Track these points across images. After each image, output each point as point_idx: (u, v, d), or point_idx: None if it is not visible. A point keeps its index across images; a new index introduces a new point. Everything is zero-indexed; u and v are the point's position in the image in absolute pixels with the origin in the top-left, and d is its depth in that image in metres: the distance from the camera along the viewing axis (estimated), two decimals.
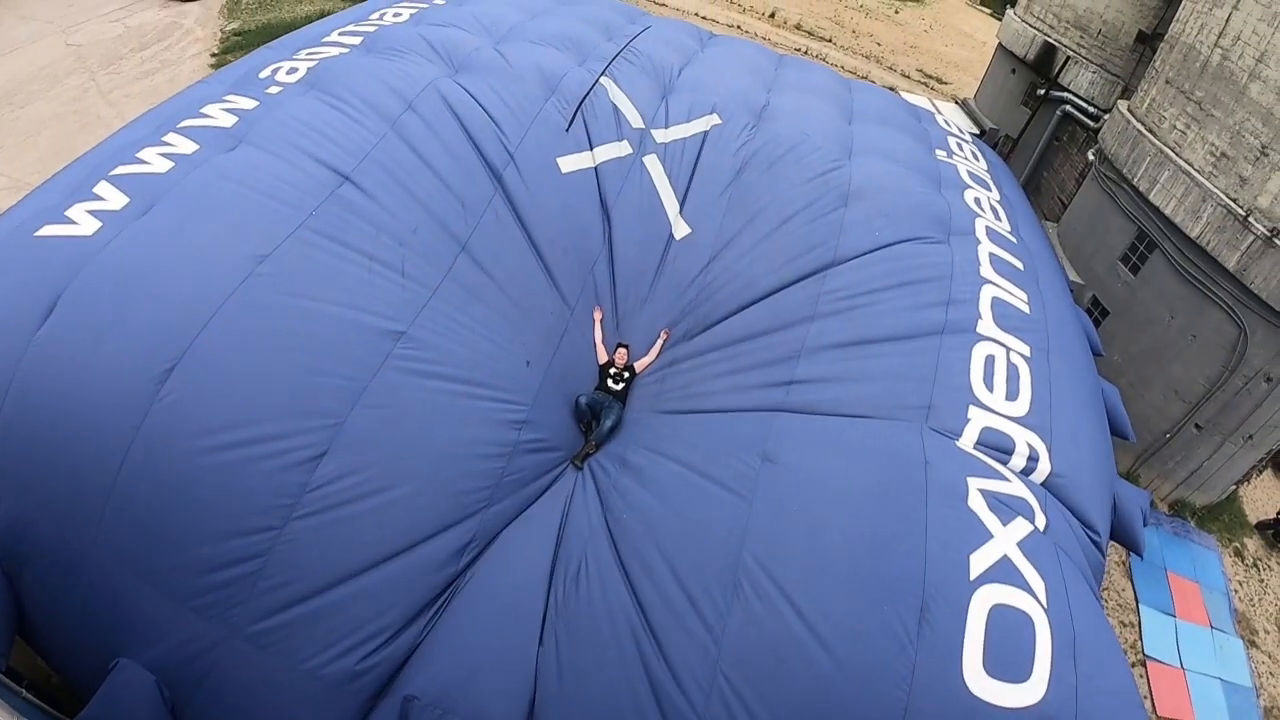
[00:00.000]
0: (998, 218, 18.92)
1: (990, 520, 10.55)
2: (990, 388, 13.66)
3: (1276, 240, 19.57)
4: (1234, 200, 20.17)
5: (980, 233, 17.64)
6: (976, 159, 21.74)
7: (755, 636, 9.33)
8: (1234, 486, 25.98)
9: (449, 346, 12.13)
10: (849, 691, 8.90)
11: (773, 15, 55.75)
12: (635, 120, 16.83)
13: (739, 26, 49.96)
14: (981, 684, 8.82)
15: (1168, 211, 21.44)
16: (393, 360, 11.32)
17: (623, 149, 16.53)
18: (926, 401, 13.03)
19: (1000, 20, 40.18)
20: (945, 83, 56.23)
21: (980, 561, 9.84)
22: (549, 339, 13.95)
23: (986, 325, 14.91)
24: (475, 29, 18.63)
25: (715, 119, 17.86)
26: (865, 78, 49.08)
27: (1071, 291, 22.51)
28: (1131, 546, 14.93)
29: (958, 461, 11.70)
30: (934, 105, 31.46)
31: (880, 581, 9.62)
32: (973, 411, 13.03)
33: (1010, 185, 22.07)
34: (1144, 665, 19.22)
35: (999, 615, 9.37)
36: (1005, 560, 9.99)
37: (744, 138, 17.83)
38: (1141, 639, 19.75)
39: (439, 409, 11.42)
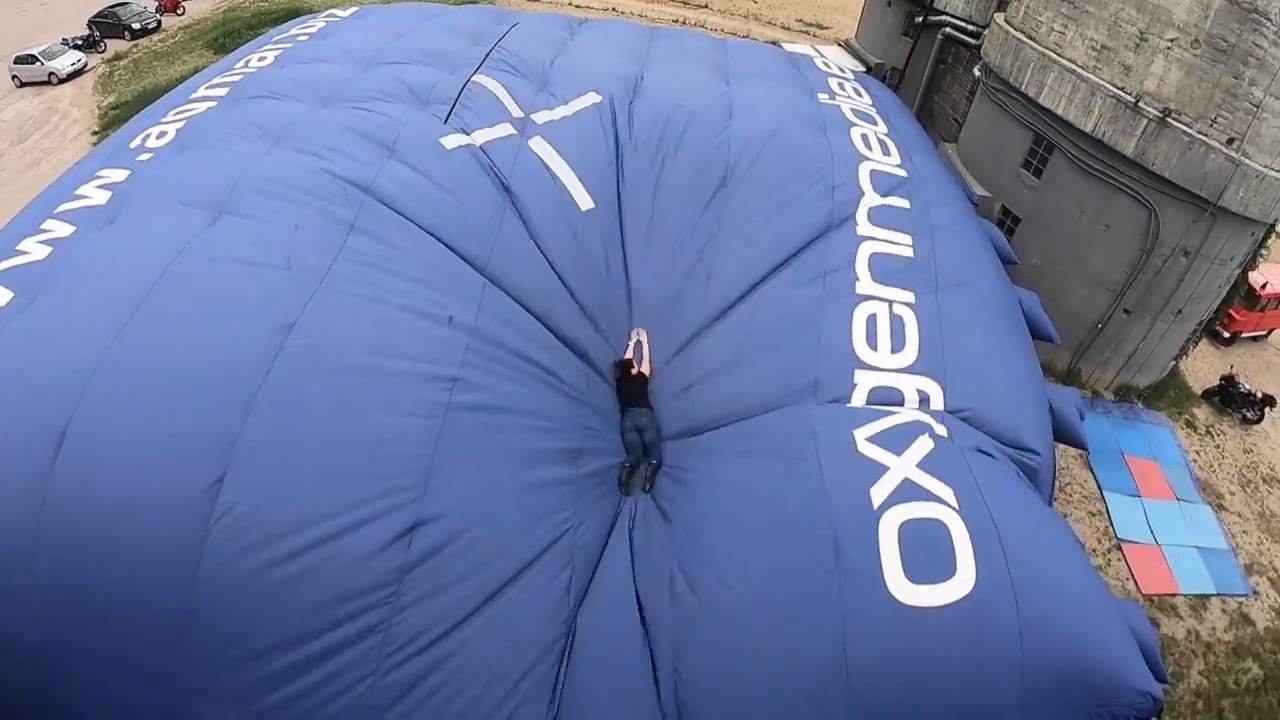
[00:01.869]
0: (886, 153, 19.04)
1: (883, 455, 11.17)
2: (874, 346, 13.99)
3: (1169, 120, 20.18)
4: (1121, 89, 20.74)
5: (864, 181, 17.69)
6: (860, 95, 21.91)
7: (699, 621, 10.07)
8: (1173, 362, 26.73)
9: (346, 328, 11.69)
10: (792, 636, 9.54)
11: None
12: (515, 110, 16.69)
13: (614, 9, 50.25)
14: (908, 591, 9.42)
15: (1059, 111, 21.97)
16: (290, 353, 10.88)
17: (505, 130, 16.35)
18: (813, 379, 13.51)
19: None
20: (825, 28, 56.64)
21: (881, 491, 10.52)
22: (469, 301, 12.97)
23: (865, 285, 15.14)
24: (342, 59, 18.34)
25: (595, 97, 17.89)
26: (746, 36, 49.33)
27: (978, 205, 23.12)
28: (1075, 444, 15.42)
29: (844, 421, 12.16)
30: (815, 50, 31.82)
31: (796, 542, 10.31)
32: (859, 375, 13.45)
33: (899, 115, 22.39)
34: (1119, 549, 19.80)
35: (909, 529, 10.00)
36: (906, 482, 10.65)
37: (624, 114, 17.90)
38: (1112, 524, 20.32)
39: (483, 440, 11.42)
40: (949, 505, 10.31)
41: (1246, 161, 20.50)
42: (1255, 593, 20.99)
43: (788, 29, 54.67)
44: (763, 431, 12.74)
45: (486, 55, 18.60)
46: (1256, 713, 18.30)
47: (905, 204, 17.37)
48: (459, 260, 13.25)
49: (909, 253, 16.03)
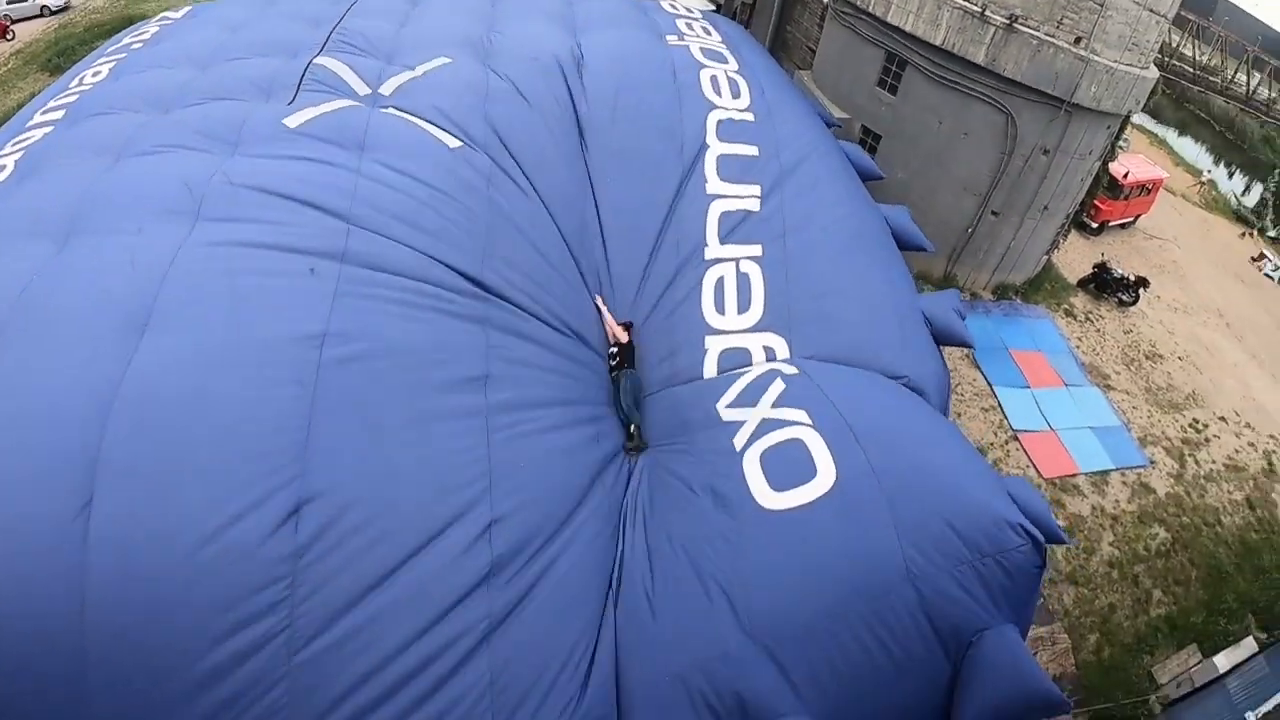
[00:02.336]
0: (735, 94, 18.91)
1: (741, 412, 11.78)
2: (721, 310, 14.30)
3: (1016, 25, 20.77)
4: (968, 0, 21.26)
5: (711, 132, 17.62)
6: (709, 33, 21.66)
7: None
8: (1045, 256, 27.70)
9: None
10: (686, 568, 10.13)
11: None
12: (362, 88, 15.89)
13: None
14: (776, 499, 10.22)
15: (908, 28, 22.39)
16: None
17: (351, 103, 15.53)
18: (670, 353, 13.98)
19: None
20: None
21: (741, 437, 11.26)
22: (333, 249, 11.98)
23: (713, 249, 15.33)
24: (179, 63, 17.36)
25: (443, 59, 17.37)
26: None
27: (839, 128, 23.47)
28: (959, 344, 15.83)
29: (707, 398, 12.59)
30: None
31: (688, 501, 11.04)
32: (709, 341, 13.79)
33: (750, 49, 22.23)
34: (1016, 439, 20.54)
35: (770, 454, 10.82)
36: (763, 422, 11.34)
37: (477, 70, 17.42)
38: (1006, 416, 21.05)
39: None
40: (803, 424, 11.01)
41: (1095, 58, 21.30)
42: (1152, 462, 22.17)
43: None
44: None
45: (327, 38, 18.00)
46: (1169, 573, 19.37)
47: (754, 151, 17.35)
48: (317, 212, 12.30)
49: (755, 205, 16.13)
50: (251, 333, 10.26)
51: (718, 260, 15.02)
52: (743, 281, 14.64)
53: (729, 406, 12.10)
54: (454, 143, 14.79)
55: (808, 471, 10.38)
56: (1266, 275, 46.79)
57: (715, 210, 15.92)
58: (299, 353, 10.19)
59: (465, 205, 13.52)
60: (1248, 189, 72.69)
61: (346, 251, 11.64)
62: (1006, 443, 20.42)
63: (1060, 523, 18.23)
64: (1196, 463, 23.29)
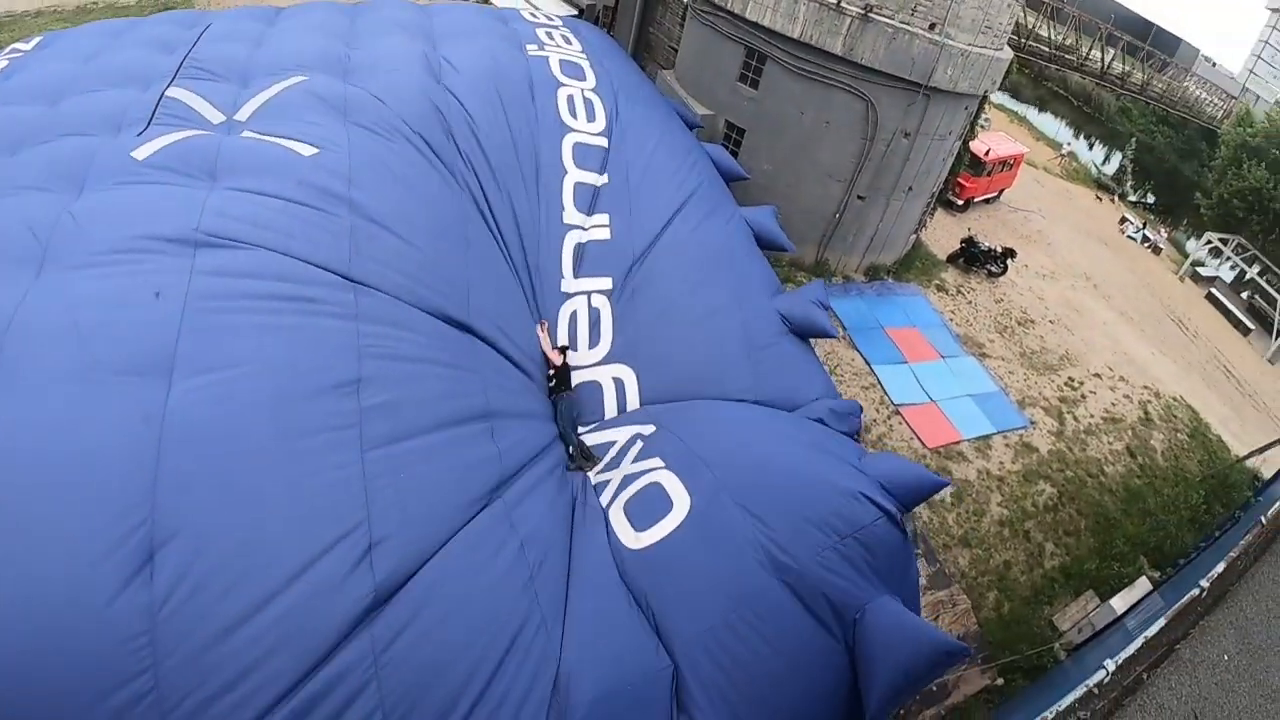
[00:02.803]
0: (590, 117, 19.17)
1: (607, 475, 12.53)
2: (575, 346, 14.89)
3: (871, 15, 21.40)
4: None
5: (567, 159, 17.83)
6: (569, 42, 22.05)
7: None
8: (914, 235, 28.55)
9: None
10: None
11: None
12: (215, 116, 15.49)
13: None
14: (640, 539, 10.97)
15: (766, 23, 22.83)
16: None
17: (204, 132, 14.93)
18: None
19: None
20: None
21: (606, 496, 12.11)
22: (180, 270, 11.40)
23: (568, 282, 15.76)
24: (29, 99, 16.65)
25: (299, 77, 17.08)
26: None
27: (701, 128, 23.91)
28: (820, 335, 16.47)
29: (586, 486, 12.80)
30: (527, 2, 32.12)
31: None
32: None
33: (609, 56, 22.77)
34: (898, 413, 21.12)
35: (631, 502, 11.61)
36: (624, 479, 12.11)
37: (336, 87, 17.05)
38: (886, 393, 21.60)
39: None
40: (658, 469, 11.83)
41: (950, 43, 22.09)
42: (1032, 423, 23.04)
43: None
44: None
45: (179, 67, 17.49)
46: (1059, 525, 20.16)
47: (604, 180, 17.72)
48: (164, 243, 11.62)
49: (606, 234, 16.54)
50: (96, 374, 9.73)
51: (572, 294, 15.48)
52: (594, 315, 15.21)
53: (598, 472, 12.69)
54: (309, 150, 14.35)
55: (665, 507, 11.16)
56: (1129, 237, 48.93)
57: (570, 242, 16.27)
58: (144, 387, 9.69)
59: (324, 210, 13.12)
60: (1107, 158, 75.80)
61: (194, 268, 11.16)
62: (889, 418, 20.95)
63: (948, 489, 18.92)
64: (1075, 419, 24.29)
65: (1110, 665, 8.96)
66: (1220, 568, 11.89)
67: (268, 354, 10.50)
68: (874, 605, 10.14)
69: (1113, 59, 59.04)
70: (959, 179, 34.23)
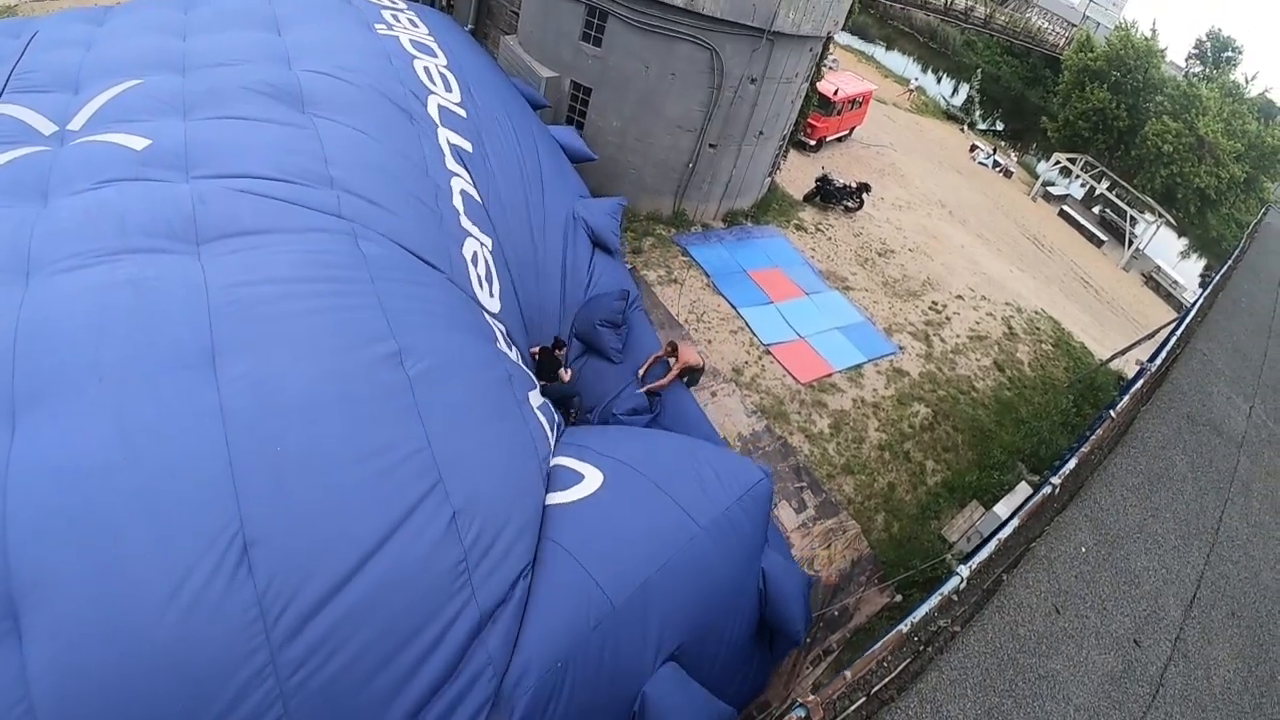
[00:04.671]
0: (448, 89, 19.29)
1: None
2: (486, 291, 15.01)
3: None
4: None
5: (436, 116, 17.92)
6: (415, 25, 21.82)
7: None
8: (768, 179, 28.94)
9: None
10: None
11: None
12: (46, 128, 14.75)
13: None
14: (562, 497, 11.21)
15: None
16: None
17: (33, 149, 14.07)
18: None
19: None
20: None
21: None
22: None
23: (465, 221, 15.76)
24: None
25: (134, 80, 16.26)
26: None
27: (547, 106, 24.02)
28: (608, 249, 18.22)
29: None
30: None
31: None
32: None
33: (456, 40, 22.81)
34: (769, 353, 21.44)
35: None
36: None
37: (174, 82, 16.39)
38: (755, 334, 21.90)
39: None
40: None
41: None
42: (901, 348, 23.72)
43: None
44: None
45: (7, 79, 16.80)
46: (937, 443, 20.86)
47: (470, 146, 17.88)
48: None
49: (477, 197, 16.87)
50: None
51: (468, 234, 15.50)
52: (486, 270, 15.46)
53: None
54: (141, 143, 13.84)
55: (576, 478, 11.56)
56: (980, 164, 50.64)
57: (456, 187, 16.26)
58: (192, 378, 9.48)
59: (161, 188, 12.75)
60: (955, 91, 78.08)
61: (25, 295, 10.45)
62: (760, 358, 21.19)
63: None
64: (942, 340, 25.11)
65: (964, 571, 9.34)
66: (1072, 464, 12.41)
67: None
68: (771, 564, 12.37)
69: None
70: (809, 120, 34.78)
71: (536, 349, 15.90)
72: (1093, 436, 13.46)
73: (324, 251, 12.09)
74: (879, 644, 8.35)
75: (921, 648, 8.57)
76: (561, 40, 24.56)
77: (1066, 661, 9.09)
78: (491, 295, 15.05)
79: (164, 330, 9.92)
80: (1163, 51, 57.42)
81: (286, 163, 14.09)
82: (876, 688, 7.98)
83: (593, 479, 11.49)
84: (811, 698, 7.46)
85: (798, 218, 29.38)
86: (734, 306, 22.72)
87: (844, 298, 25.24)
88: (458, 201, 16.01)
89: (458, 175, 16.68)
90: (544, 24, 25.24)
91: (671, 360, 16.52)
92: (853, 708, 7.72)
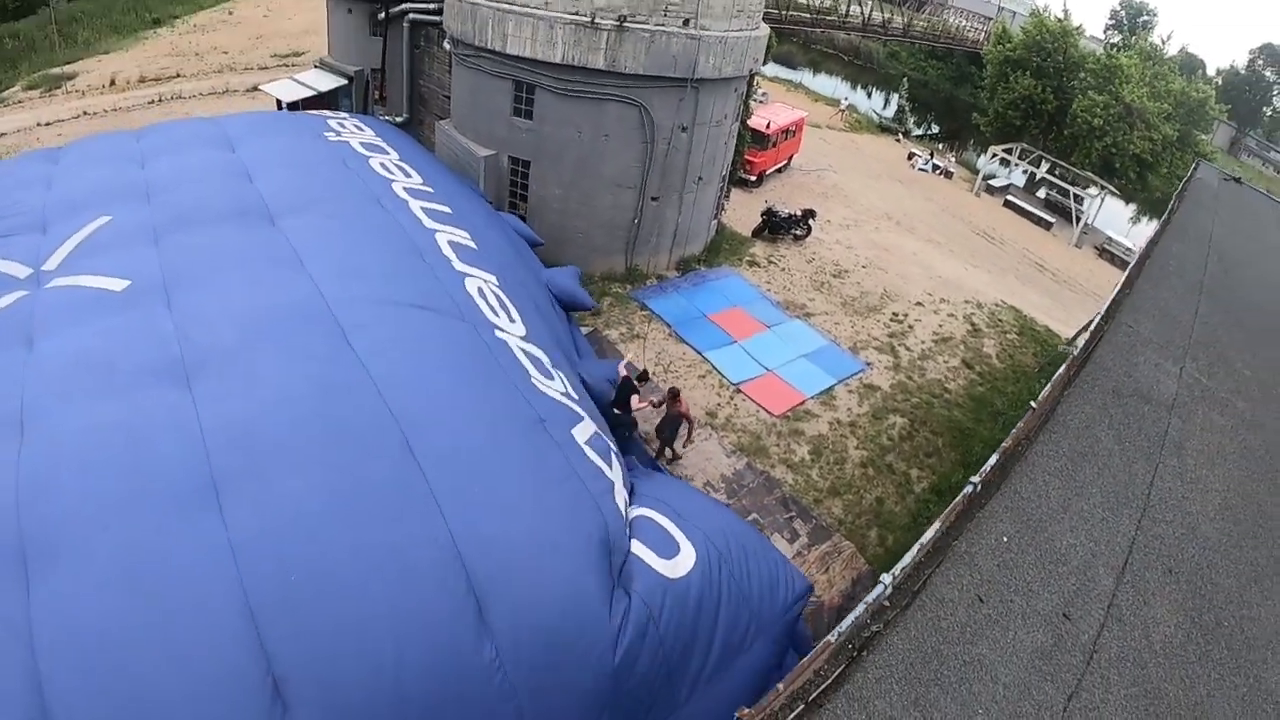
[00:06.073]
0: (407, 174, 19.91)
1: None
2: (497, 318, 15.14)
3: (627, 24, 22.24)
4: (576, 13, 22.45)
5: (402, 194, 18.47)
6: (362, 129, 22.72)
7: None
8: (714, 221, 29.50)
9: None
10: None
11: (112, 82, 52.42)
12: (20, 272, 15.10)
13: (85, 112, 45.17)
14: (670, 567, 11.51)
15: (529, 54, 23.35)
16: None
17: (12, 297, 14.34)
18: None
19: None
20: (301, 53, 55.96)
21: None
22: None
23: (458, 264, 16.12)
24: None
25: (104, 218, 16.66)
26: (226, 90, 48.49)
27: (485, 164, 24.92)
28: (583, 308, 19.35)
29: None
30: (296, 82, 33.01)
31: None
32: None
33: (400, 138, 23.65)
34: (739, 391, 21.76)
35: (643, 533, 12.14)
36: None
37: (140, 214, 16.84)
38: (723, 375, 22.25)
39: None
40: (649, 508, 12.68)
41: (706, 33, 23.20)
42: (868, 364, 24.14)
43: (265, 68, 53.19)
44: None
45: None
46: (918, 450, 21.17)
47: (448, 210, 18.63)
48: None
49: (471, 243, 17.44)
50: None
51: (466, 274, 15.95)
52: (496, 297, 15.78)
53: (587, 445, 12.81)
54: (120, 284, 14.21)
55: (674, 547, 11.80)
56: (920, 170, 51.54)
57: (441, 239, 16.88)
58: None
59: (146, 328, 13.01)
60: (886, 103, 79.48)
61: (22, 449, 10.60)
62: (732, 398, 21.49)
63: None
64: (908, 349, 25.59)
65: (887, 579, 9.61)
66: (992, 460, 12.68)
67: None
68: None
69: (871, 10, 61.97)
70: (746, 157, 35.63)
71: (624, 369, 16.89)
72: (1014, 430, 13.72)
73: (310, 359, 12.24)
74: (810, 654, 8.68)
75: (855, 654, 8.87)
76: (494, 118, 25.18)
77: (992, 645, 9.37)
78: (513, 320, 15.23)
79: (161, 469, 10.06)
80: (1079, 29, 58.89)
81: (262, 276, 14.41)
82: (813, 695, 8.27)
83: (687, 555, 11.69)
84: (745, 710, 7.80)
85: (749, 254, 29.92)
86: (699, 351, 23.10)
87: (806, 324, 25.69)
88: (447, 250, 16.43)
89: (440, 231, 17.13)
90: (475, 105, 25.83)
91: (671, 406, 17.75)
92: (791, 716, 8.01)
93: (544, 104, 24.17)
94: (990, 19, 79.67)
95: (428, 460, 10.66)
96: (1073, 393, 15.31)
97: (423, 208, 17.98)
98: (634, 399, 17.45)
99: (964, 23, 77.09)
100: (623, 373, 17.46)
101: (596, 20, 22.28)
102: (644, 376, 18.72)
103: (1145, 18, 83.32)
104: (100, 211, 16.96)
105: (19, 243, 16.05)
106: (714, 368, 22.44)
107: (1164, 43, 62.42)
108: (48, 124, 43.83)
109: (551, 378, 14.06)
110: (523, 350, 14.27)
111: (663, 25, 22.74)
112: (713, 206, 28.44)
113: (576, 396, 14.22)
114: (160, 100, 47.23)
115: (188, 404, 11.24)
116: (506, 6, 23.43)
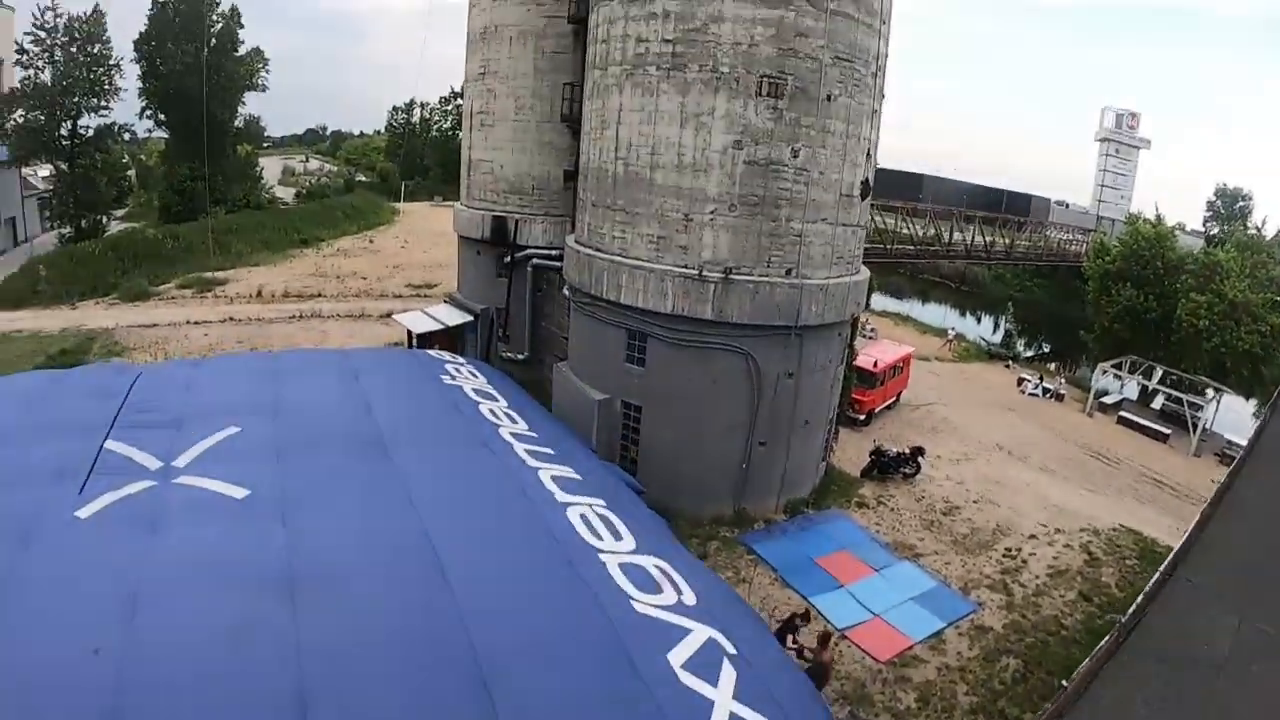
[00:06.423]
0: (514, 420, 21.15)
1: (703, 686, 12.69)
2: (600, 539, 15.74)
3: (732, 276, 23.92)
4: (685, 267, 24.33)
5: (508, 437, 19.70)
6: (475, 376, 24.37)
7: None
8: (822, 463, 30.06)
9: None
10: None
11: (259, 293, 56.80)
12: (152, 464, 16.67)
13: (231, 318, 49.72)
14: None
15: (641, 304, 25.15)
16: None
17: (144, 485, 15.80)
18: None
19: None
20: (433, 286, 59.91)
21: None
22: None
23: (561, 495, 16.97)
24: None
25: (233, 429, 18.41)
26: (362, 314, 51.71)
27: (600, 408, 26.23)
28: None
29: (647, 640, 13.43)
30: (425, 314, 36.41)
31: None
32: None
33: (509, 386, 25.15)
34: (845, 637, 21.51)
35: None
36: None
37: (266, 430, 18.57)
38: (829, 621, 22.01)
39: None
40: None
41: (808, 282, 24.73)
42: (980, 604, 23.67)
43: (400, 296, 57.18)
44: None
45: (115, 417, 18.72)
46: (1032, 693, 20.23)
47: (551, 451, 19.57)
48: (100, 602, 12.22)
49: (575, 475, 18.35)
50: None
51: (569, 504, 16.76)
52: (603, 519, 16.43)
53: (684, 669, 12.77)
54: (241, 493, 15.47)
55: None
56: (1031, 395, 51.23)
57: (545, 475, 17.86)
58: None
59: (260, 539, 14.09)
60: (996, 326, 79.74)
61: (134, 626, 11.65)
62: (838, 643, 21.00)
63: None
64: (1021, 585, 25.04)
65: None
66: (1084, 666, 12.65)
67: None
68: None
69: (974, 235, 63.38)
70: (854, 395, 36.60)
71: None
72: (1044, 711, 13.59)
73: (406, 587, 13.22)
74: None
75: None
76: (608, 363, 26.80)
77: None
78: (619, 537, 15.79)
79: (257, 675, 11.00)
80: (1175, 229, 58.51)
81: (372, 504, 15.71)
82: None
83: None
84: None
85: (858, 495, 30.18)
86: (804, 597, 23.06)
87: (914, 566, 25.62)
88: (550, 485, 17.36)
89: (544, 468, 18.11)
90: (591, 350, 27.52)
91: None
92: None
93: (655, 352, 25.65)
94: (1090, 230, 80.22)
95: (505, 704, 11.16)
96: (1112, 665, 15.07)
97: (527, 449, 19.15)
98: (789, 637, 17.90)
99: (1065, 236, 77.73)
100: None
101: (704, 273, 23.94)
102: (805, 617, 19.23)
103: (1242, 203, 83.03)
104: (231, 421, 18.79)
105: (155, 437, 17.82)
106: (820, 613, 22.33)
107: (1260, 229, 61.72)
108: (196, 323, 47.21)
109: (659, 590, 14.39)
110: (626, 566, 14.83)
111: (766, 275, 24.32)
112: (820, 449, 29.14)
113: (693, 602, 14.32)
114: (301, 316, 50.62)
115: (288, 616, 12.21)
116: (621, 259, 25.42)
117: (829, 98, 24.30)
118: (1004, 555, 26.92)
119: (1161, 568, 18.65)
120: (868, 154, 26.50)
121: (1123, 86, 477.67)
